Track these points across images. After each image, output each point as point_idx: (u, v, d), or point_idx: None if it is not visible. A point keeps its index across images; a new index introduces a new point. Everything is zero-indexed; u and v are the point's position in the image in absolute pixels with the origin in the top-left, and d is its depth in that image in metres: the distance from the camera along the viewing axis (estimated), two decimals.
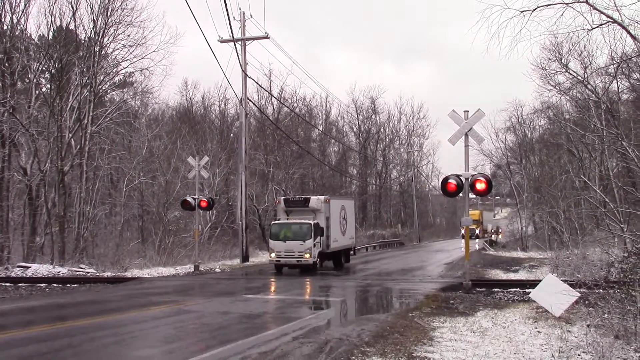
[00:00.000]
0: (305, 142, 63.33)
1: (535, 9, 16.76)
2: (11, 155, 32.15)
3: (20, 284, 23.38)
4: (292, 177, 52.75)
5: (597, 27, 17.47)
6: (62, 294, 20.71)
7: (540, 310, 13.95)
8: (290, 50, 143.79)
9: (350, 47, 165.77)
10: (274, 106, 61.54)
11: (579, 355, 9.50)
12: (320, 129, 72.95)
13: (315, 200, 28.06)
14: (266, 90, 56.62)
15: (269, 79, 59.54)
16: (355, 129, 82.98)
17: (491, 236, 75.39)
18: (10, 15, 32.02)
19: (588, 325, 11.56)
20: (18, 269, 27.19)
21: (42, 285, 23.24)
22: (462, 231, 68.87)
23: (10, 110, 30.82)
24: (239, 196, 35.39)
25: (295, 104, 64.30)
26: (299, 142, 57.69)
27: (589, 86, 33.33)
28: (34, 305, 17.88)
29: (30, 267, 27.20)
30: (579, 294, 13.66)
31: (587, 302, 13.60)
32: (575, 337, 10.99)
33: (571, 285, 14.22)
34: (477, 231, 74.10)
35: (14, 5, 31.87)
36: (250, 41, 35.57)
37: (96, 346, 10.84)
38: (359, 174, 79.87)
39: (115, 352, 10.49)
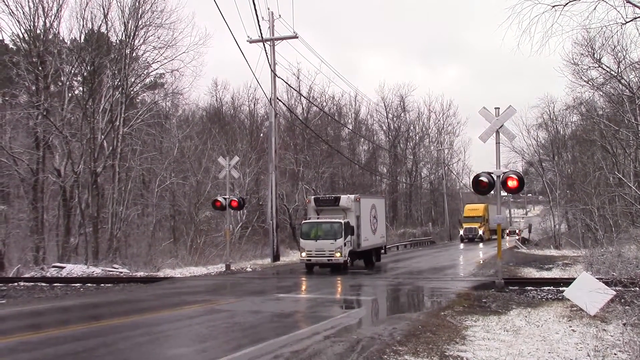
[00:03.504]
0: (334, 141, 63.30)
1: (566, 4, 16.55)
2: (45, 157, 32.78)
3: (55, 284, 23.78)
4: (322, 176, 52.75)
5: (631, 20, 17.22)
6: (96, 293, 20.99)
7: (575, 308, 13.75)
8: (318, 50, 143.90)
9: (378, 47, 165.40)
10: (303, 105, 61.46)
11: (615, 354, 9.32)
12: (350, 127, 72.86)
13: (346, 199, 27.95)
14: (295, 90, 56.66)
15: (298, 78, 59.49)
16: (384, 127, 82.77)
17: (521, 234, 66.28)
18: (44, 19, 32.69)
19: (624, 324, 11.34)
20: (53, 269, 27.65)
21: (76, 285, 23.59)
22: (461, 232, 66.42)
23: (44, 113, 31.43)
24: (270, 196, 35.46)
25: (324, 103, 64.27)
26: (329, 141, 57.66)
27: (623, 81, 32.83)
28: (68, 304, 18.15)
29: (65, 267, 27.64)
30: (614, 292, 13.43)
31: (622, 300, 13.34)
32: (611, 335, 10.80)
33: (606, 283, 13.97)
34: (480, 232, 63.50)
35: (46, 9, 32.53)
36: (279, 41, 35.62)
37: (130, 345, 10.95)
38: (389, 173, 79.56)
39: (148, 350, 10.59)
